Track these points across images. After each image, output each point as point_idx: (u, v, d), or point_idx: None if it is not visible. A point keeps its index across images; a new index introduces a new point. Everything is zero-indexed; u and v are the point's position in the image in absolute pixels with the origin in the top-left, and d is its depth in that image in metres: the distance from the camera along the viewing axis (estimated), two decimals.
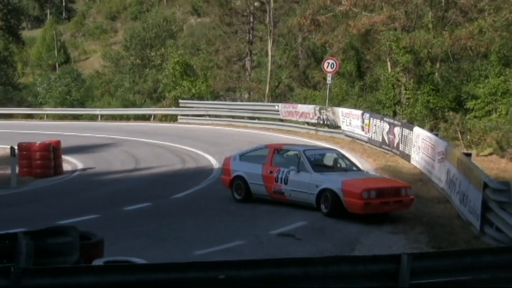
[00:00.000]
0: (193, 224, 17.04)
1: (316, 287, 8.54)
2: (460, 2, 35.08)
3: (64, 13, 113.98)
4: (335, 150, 21.99)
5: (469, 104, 33.22)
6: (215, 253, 13.60)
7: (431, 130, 27.37)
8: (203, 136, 35.69)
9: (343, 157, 20.17)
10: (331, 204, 17.37)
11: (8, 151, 24.20)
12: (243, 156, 20.06)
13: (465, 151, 22.57)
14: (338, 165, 19.39)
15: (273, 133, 37.45)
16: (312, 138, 34.43)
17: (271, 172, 18.76)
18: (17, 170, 23.89)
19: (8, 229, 11.29)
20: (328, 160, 19.47)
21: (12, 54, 70.80)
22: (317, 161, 18.84)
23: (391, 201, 17.44)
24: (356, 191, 17.01)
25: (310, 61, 49.69)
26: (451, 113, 32.78)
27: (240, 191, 19.44)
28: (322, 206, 17.57)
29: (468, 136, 30.48)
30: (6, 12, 67.39)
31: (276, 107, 41.78)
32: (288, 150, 19.50)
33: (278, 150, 19.49)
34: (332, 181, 17.59)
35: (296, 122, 39.04)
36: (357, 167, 19.84)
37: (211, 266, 8.45)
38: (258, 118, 42.60)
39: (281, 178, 18.51)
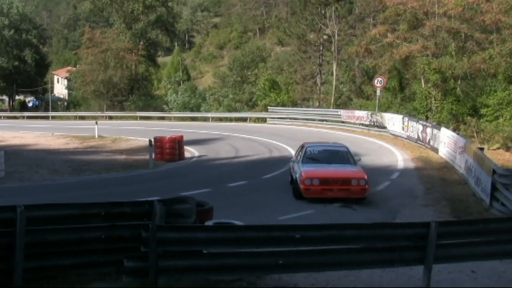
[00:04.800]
0: (277, 197, 17.03)
1: (367, 245, 8.52)
2: (476, 36, 34.29)
3: (186, 45, 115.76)
4: (343, 146, 18.51)
5: (482, 111, 32.37)
6: (293, 219, 13.65)
7: (454, 130, 26.73)
8: (285, 133, 35.71)
9: (345, 152, 17.57)
10: (294, 189, 16.50)
11: (147, 142, 24.68)
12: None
13: (479, 146, 21.95)
14: (332, 158, 17.09)
15: (336, 131, 37.19)
16: (366, 135, 34.07)
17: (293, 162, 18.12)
18: (153, 156, 24.39)
19: (147, 197, 11.56)
20: (324, 154, 17.39)
21: (150, 74, 71.99)
22: (312, 155, 17.28)
23: (335, 189, 15.64)
24: (302, 179, 15.76)
25: (364, 78, 49.08)
26: (469, 117, 32.16)
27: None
28: None
29: (481, 135, 29.84)
30: (148, 45, 68.62)
31: (339, 112, 41.51)
32: (302, 146, 18.24)
33: (302, 146, 18.36)
34: (300, 170, 16.23)
35: (354, 123, 38.66)
36: (352, 161, 17.09)
37: (290, 228, 8.48)
38: (326, 120, 42.35)
39: (292, 167, 17.71)
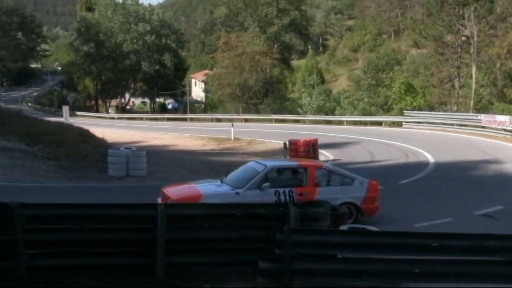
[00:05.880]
0: (415, 203, 16.57)
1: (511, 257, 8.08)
2: None
3: (320, 48, 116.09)
4: (266, 166, 13.57)
5: None
6: (430, 226, 13.20)
7: None
8: (421, 138, 34.73)
9: (258, 174, 13.19)
10: None
11: (282, 145, 24.94)
12: None
13: None
14: (247, 178, 13.33)
15: (476, 137, 35.65)
16: (508, 141, 32.40)
17: None
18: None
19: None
20: (245, 172, 13.89)
21: (285, 77, 72.86)
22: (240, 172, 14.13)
23: None
24: None
25: (507, 81, 46.78)
26: None
27: None
28: None
29: None
30: (282, 48, 69.52)
31: (479, 117, 39.75)
32: None
33: None
34: None
35: (495, 129, 36.86)
36: (255, 185, 12.75)
37: (427, 235, 8.26)
38: (464, 125, 40.71)
39: None
